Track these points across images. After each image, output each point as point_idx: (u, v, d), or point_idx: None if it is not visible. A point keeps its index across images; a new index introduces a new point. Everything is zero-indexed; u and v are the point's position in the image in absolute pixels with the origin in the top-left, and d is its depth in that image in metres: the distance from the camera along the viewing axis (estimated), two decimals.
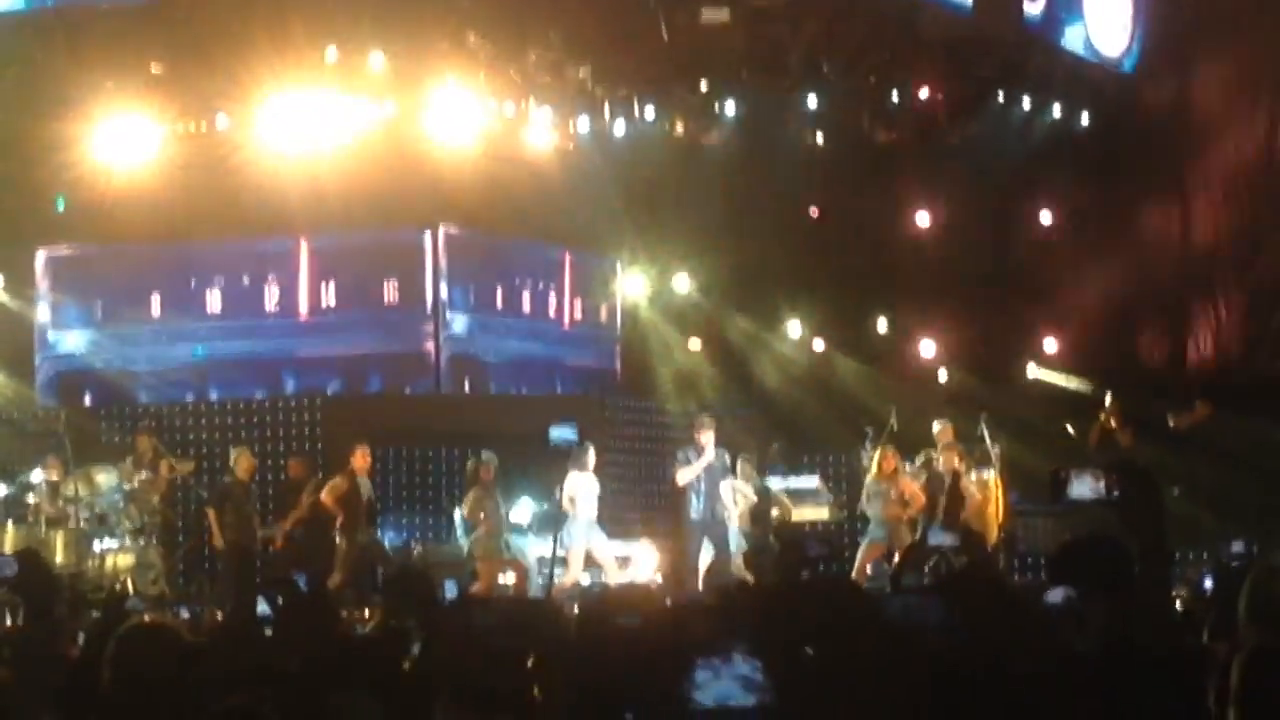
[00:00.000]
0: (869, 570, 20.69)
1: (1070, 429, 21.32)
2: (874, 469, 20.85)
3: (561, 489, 20.07)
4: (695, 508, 20.40)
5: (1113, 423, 20.49)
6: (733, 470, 21.30)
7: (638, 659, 6.33)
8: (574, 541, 20.05)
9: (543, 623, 9.17)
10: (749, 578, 19.52)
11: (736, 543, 20.86)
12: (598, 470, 20.68)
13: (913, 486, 20.75)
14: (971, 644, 6.11)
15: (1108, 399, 20.93)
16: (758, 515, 22.10)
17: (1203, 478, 21.78)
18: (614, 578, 19.98)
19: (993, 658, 5.93)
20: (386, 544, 21.35)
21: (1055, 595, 7.34)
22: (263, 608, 16.41)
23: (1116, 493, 19.36)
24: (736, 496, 21.18)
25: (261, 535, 21.06)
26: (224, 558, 20.69)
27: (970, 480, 21.01)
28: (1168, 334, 28.27)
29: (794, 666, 5.59)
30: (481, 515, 20.52)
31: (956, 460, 20.76)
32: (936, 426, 21.36)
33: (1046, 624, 7.21)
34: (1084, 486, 19.52)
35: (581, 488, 20.20)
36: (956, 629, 6.05)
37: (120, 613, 10.48)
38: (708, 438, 20.53)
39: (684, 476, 20.44)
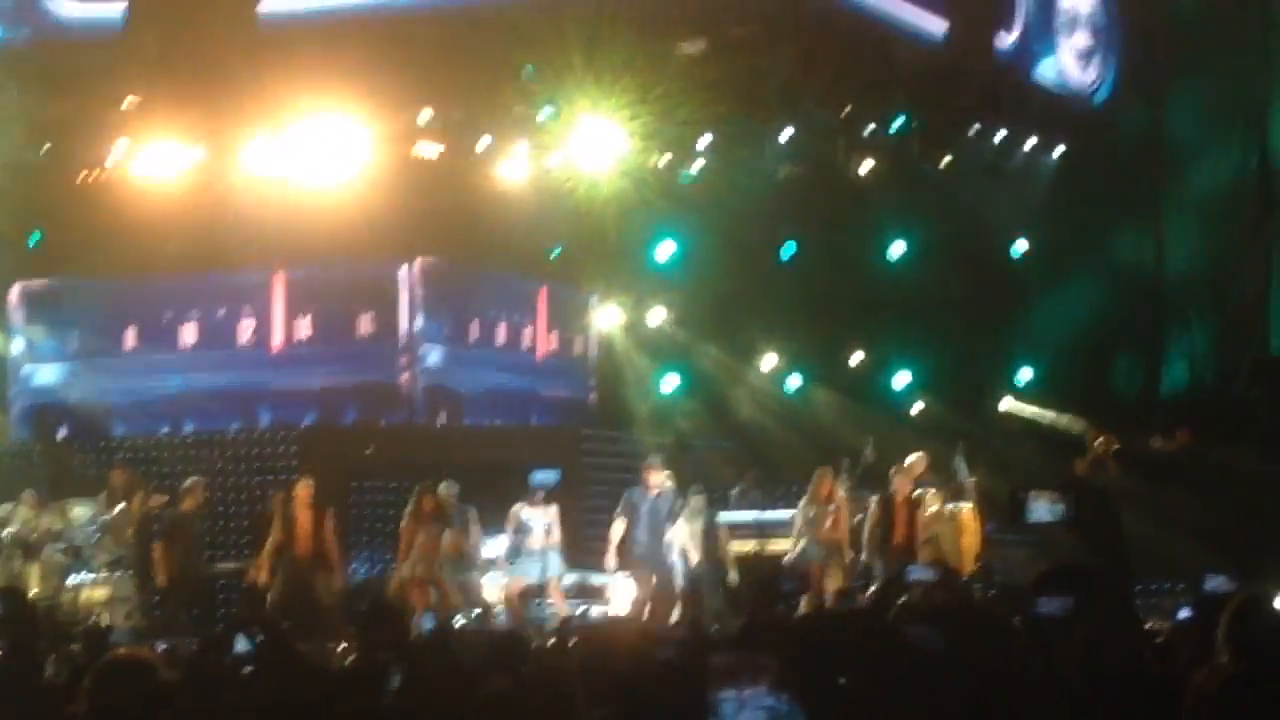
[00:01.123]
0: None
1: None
2: (810, 492, 20.47)
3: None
4: (638, 546, 20.18)
5: (1105, 455, 20.61)
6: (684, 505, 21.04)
7: (660, 691, 6.30)
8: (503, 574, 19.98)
9: (521, 655, 9.17)
10: (677, 614, 19.14)
11: (681, 578, 20.50)
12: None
13: (843, 512, 20.34)
14: (965, 674, 6.11)
15: (1098, 439, 21.00)
16: (706, 550, 21.90)
17: (1178, 508, 21.79)
18: (564, 609, 19.76)
19: (987, 687, 5.94)
20: (361, 576, 21.20)
21: (1050, 605, 7.29)
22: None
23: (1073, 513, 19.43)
24: (693, 530, 20.92)
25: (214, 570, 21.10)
26: (168, 591, 20.53)
27: (943, 511, 20.85)
28: (1142, 362, 28.39)
29: (826, 698, 5.58)
30: (411, 544, 19.99)
31: (909, 489, 20.39)
32: (910, 459, 21.14)
33: (1033, 653, 7.21)
34: (1042, 509, 19.54)
35: (524, 520, 20.00)
36: (951, 660, 6.04)
37: (103, 646, 10.46)
38: (657, 478, 20.37)
39: (615, 529, 20.28)
